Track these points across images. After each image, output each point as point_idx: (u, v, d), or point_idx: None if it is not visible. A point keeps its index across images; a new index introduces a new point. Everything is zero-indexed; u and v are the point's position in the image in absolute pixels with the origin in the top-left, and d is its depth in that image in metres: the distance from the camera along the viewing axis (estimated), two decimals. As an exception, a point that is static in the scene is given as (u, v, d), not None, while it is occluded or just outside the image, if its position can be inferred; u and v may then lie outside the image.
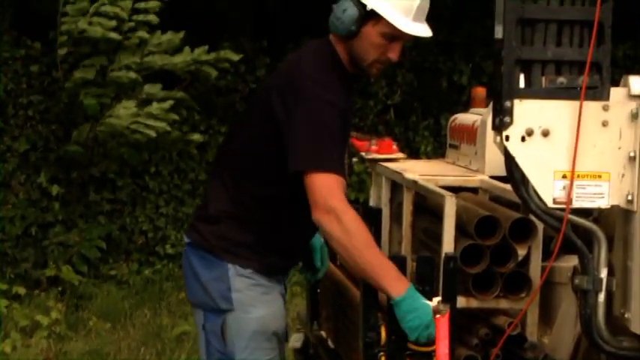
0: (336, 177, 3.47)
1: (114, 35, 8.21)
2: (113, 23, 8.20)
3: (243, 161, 3.78)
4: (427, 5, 3.62)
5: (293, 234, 3.85)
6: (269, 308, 3.76)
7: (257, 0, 10.11)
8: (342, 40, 3.66)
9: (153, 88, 8.58)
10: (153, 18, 8.36)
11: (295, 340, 4.88)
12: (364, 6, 3.51)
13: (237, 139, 3.90)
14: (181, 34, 8.51)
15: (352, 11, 3.53)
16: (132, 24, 8.35)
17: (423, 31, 3.58)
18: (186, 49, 8.56)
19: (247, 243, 3.72)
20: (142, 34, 8.43)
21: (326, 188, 3.45)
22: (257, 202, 3.73)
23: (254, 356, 3.70)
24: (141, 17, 8.32)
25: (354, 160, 7.35)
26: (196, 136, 9.12)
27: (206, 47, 8.56)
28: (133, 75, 8.40)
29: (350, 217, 3.42)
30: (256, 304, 3.71)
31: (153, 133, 8.35)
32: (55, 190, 9.10)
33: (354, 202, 5.96)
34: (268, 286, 3.77)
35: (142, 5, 8.29)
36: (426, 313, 3.28)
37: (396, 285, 3.33)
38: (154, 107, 8.36)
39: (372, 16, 3.52)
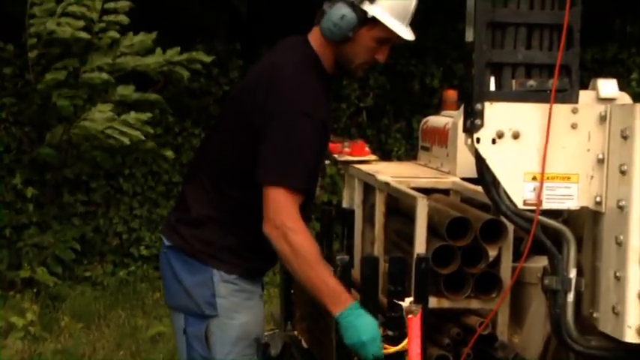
0: (292, 195, 3.47)
1: (83, 35, 8.16)
2: (81, 23, 8.17)
3: (221, 165, 3.72)
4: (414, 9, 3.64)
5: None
6: (251, 314, 3.74)
7: (230, 2, 10.08)
8: (332, 43, 3.61)
9: (126, 90, 8.53)
10: (123, 18, 8.33)
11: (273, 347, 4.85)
12: (364, 12, 3.49)
13: (214, 143, 3.83)
14: (153, 35, 8.49)
15: (351, 17, 3.49)
16: (102, 25, 8.31)
17: (411, 34, 3.63)
18: (159, 50, 8.54)
19: (231, 247, 3.68)
20: (113, 34, 8.39)
21: (279, 204, 3.46)
22: (238, 206, 3.69)
23: None
24: (111, 17, 8.28)
25: (327, 162, 7.37)
26: (169, 152, 9.06)
27: (178, 48, 8.54)
28: (105, 76, 8.36)
29: (297, 236, 3.44)
30: (240, 310, 3.69)
31: (127, 141, 8.29)
32: (29, 192, 9.06)
33: (327, 204, 5.97)
34: (251, 291, 3.75)
35: (111, 5, 8.26)
36: (366, 331, 3.31)
37: (337, 302, 3.37)
38: (132, 116, 8.31)
39: (369, 22, 3.51)
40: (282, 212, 3.45)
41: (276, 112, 3.48)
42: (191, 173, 3.94)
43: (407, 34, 3.59)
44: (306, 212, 3.69)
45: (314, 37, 3.68)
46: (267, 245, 3.66)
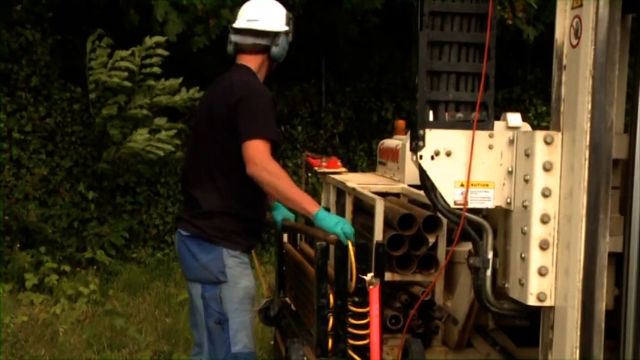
0: (266, 143, 3.58)
1: (127, 83, 8.18)
2: (126, 74, 8.18)
3: (216, 165, 3.76)
4: None
5: (260, 219, 3.96)
6: (250, 280, 3.79)
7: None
8: (270, 62, 3.92)
9: (160, 121, 8.58)
10: (157, 70, 8.34)
11: (272, 310, 4.80)
12: (287, 31, 3.89)
13: (203, 151, 3.83)
14: (179, 80, 8.49)
15: (285, 40, 3.89)
16: (141, 76, 8.34)
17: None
18: (183, 89, 8.54)
19: (237, 231, 3.74)
20: (150, 82, 8.41)
21: (257, 149, 3.55)
22: (236, 198, 3.74)
23: (242, 315, 3.74)
24: (147, 70, 8.29)
25: (309, 175, 7.35)
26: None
27: (197, 87, 8.52)
28: (145, 112, 8.37)
29: (274, 166, 3.56)
30: (243, 277, 3.75)
31: (161, 153, 8.41)
32: (91, 195, 9.02)
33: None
34: (247, 263, 3.81)
35: (147, 61, 8.26)
36: (335, 217, 3.58)
37: (313, 206, 3.58)
38: (162, 134, 8.40)
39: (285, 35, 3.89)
40: (260, 154, 3.54)
41: (240, 99, 3.62)
42: (192, 179, 3.87)
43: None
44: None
45: (248, 61, 3.88)
46: (257, 227, 3.91)
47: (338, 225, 3.49)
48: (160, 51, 8.21)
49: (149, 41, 8.17)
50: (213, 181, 3.77)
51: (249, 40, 3.87)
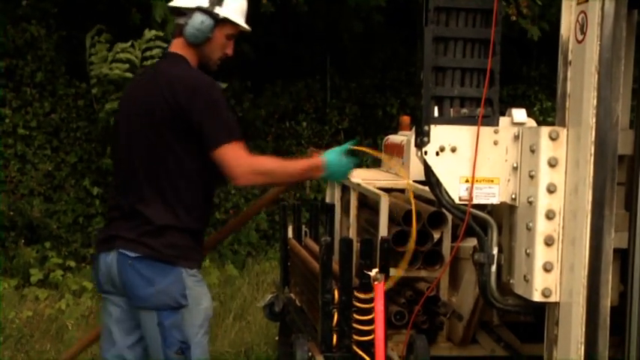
0: (239, 143, 3.23)
1: (128, 75, 8.13)
2: (127, 66, 8.14)
3: (166, 176, 3.30)
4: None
5: (204, 231, 3.52)
6: (209, 299, 3.42)
7: (242, 51, 10.06)
8: (194, 47, 3.39)
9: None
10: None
11: (276, 306, 4.81)
12: (216, 15, 3.34)
13: (146, 158, 3.33)
14: None
15: (208, 22, 3.33)
16: (142, 69, 8.30)
17: (248, 27, 3.49)
18: None
19: (191, 246, 3.34)
20: None
21: (236, 154, 3.22)
22: (191, 211, 3.32)
23: (203, 339, 3.37)
24: (149, 62, 8.24)
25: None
26: None
27: None
28: None
29: (259, 162, 3.29)
30: (202, 296, 3.37)
31: None
32: (95, 190, 9.01)
33: (314, 200, 5.95)
34: (202, 279, 3.42)
35: (147, 53, 8.22)
36: (343, 160, 3.42)
37: (317, 168, 3.40)
38: None
39: (220, 22, 3.37)
40: (242, 159, 3.22)
41: (192, 98, 3.20)
42: (133, 190, 3.35)
43: (247, 27, 3.46)
44: None
45: (178, 49, 3.42)
46: (202, 238, 3.49)
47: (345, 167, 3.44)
48: (159, 43, 8.19)
49: (148, 34, 8.16)
50: (161, 192, 3.30)
51: (179, 21, 3.44)
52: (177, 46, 3.42)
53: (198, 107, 3.19)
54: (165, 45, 8.12)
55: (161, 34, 8.13)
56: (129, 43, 8.15)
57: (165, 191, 3.29)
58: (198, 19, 3.33)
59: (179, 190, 3.29)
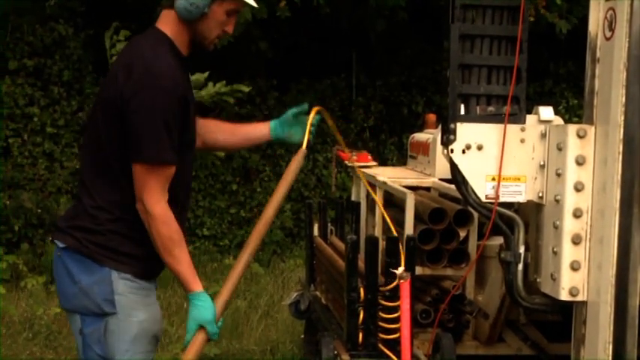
0: (152, 169, 2.72)
1: None
2: None
3: (101, 165, 2.84)
4: None
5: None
6: (150, 312, 2.90)
7: (268, 49, 10.08)
8: (186, 23, 2.84)
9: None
10: None
11: (302, 304, 4.81)
12: None
13: (92, 143, 2.90)
14: (205, 74, 8.44)
15: None
16: None
17: (254, 2, 2.94)
18: (210, 84, 8.48)
19: (128, 251, 2.84)
20: None
21: (139, 180, 2.73)
22: (129, 208, 2.81)
23: (137, 357, 2.85)
24: None
25: (336, 170, 7.34)
26: (220, 153, 9.03)
27: (224, 82, 8.49)
28: None
29: (156, 220, 2.75)
30: (139, 307, 2.85)
31: None
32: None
33: (340, 198, 5.96)
34: (149, 289, 2.93)
35: None
36: (210, 313, 2.84)
37: (190, 285, 2.87)
38: None
39: None
40: (144, 189, 2.72)
41: (133, 94, 2.70)
42: (80, 178, 3.00)
43: (253, 2, 2.92)
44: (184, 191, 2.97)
45: (164, 24, 2.88)
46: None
47: (198, 324, 2.82)
48: None
49: None
50: (94, 181, 2.86)
51: None
52: (164, 21, 2.88)
53: (133, 108, 2.71)
54: None
55: None
56: None
57: (97, 182, 2.84)
58: None
59: (111, 184, 2.83)
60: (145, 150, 2.71)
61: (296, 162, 3.21)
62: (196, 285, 2.84)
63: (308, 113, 3.34)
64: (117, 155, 2.79)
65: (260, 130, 3.34)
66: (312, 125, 3.33)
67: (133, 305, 2.83)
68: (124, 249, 2.83)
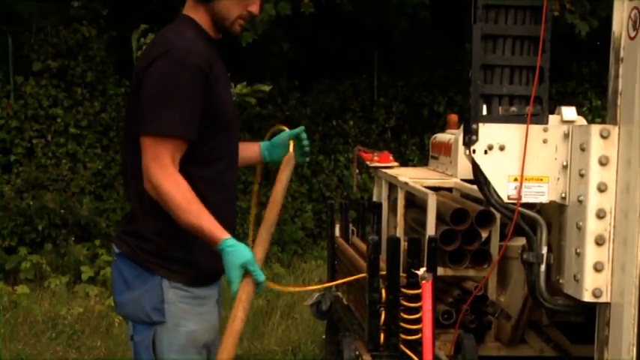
0: (161, 142, 2.53)
1: None
2: None
3: (136, 165, 2.63)
4: None
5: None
6: (202, 321, 2.74)
7: (290, 50, 10.09)
8: (203, 4, 2.68)
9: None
10: None
11: (324, 304, 4.81)
12: None
13: (126, 140, 2.74)
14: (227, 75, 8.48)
15: None
16: None
17: None
18: (231, 84, 8.50)
19: (179, 256, 2.69)
20: None
21: (147, 153, 2.54)
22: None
23: None
24: None
25: (357, 171, 7.34)
26: None
27: (245, 83, 8.50)
28: None
29: (162, 184, 2.52)
30: (188, 317, 2.70)
31: None
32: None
33: (361, 199, 5.95)
34: (203, 297, 2.76)
35: None
36: (244, 255, 2.53)
37: (215, 240, 2.53)
38: None
39: None
40: (151, 161, 2.53)
41: (147, 66, 2.56)
42: (124, 180, 2.88)
43: None
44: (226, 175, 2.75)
45: (187, 9, 2.74)
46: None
47: (239, 269, 2.52)
48: None
49: None
50: (141, 189, 2.65)
51: None
52: (188, 6, 2.75)
53: (146, 78, 2.56)
54: None
55: None
56: None
57: (140, 184, 2.64)
58: None
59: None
60: (153, 120, 2.53)
61: (285, 167, 3.05)
62: (224, 233, 2.55)
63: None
64: None
65: (252, 151, 3.19)
66: (300, 139, 3.13)
67: (182, 315, 2.69)
68: (175, 255, 2.68)
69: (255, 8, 2.75)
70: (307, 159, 3.22)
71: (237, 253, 2.52)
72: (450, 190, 4.49)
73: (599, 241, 2.82)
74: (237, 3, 2.69)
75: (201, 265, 2.71)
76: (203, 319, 2.74)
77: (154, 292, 2.66)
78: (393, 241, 3.50)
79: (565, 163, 2.98)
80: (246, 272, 2.53)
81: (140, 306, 2.68)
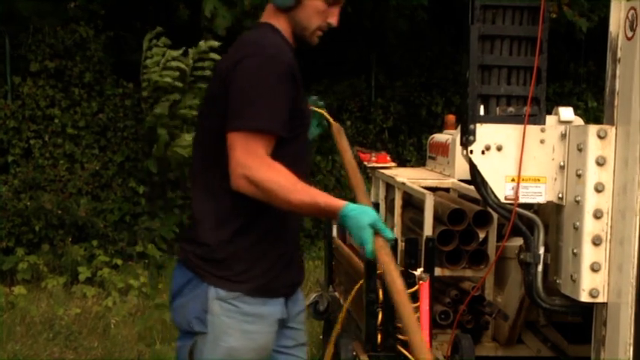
0: (253, 137, 2.43)
1: (178, 84, 8.19)
2: (177, 74, 8.18)
3: (209, 168, 2.60)
4: None
5: (286, 232, 2.68)
6: (247, 340, 2.57)
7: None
8: (284, 13, 2.66)
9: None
10: (208, 72, 8.34)
11: (321, 304, 4.81)
12: None
13: (199, 145, 2.70)
14: None
15: None
16: (192, 78, 8.35)
17: None
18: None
19: (239, 266, 2.57)
20: (201, 85, 8.42)
21: (237, 150, 2.44)
22: (236, 215, 2.56)
23: None
24: (199, 72, 8.29)
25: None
26: None
27: None
28: (194, 112, 8.38)
29: (259, 173, 2.41)
30: (232, 332, 2.54)
31: None
32: (142, 189, 9.11)
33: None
34: (258, 315, 2.58)
35: (199, 64, 8.27)
36: (367, 216, 2.41)
37: (334, 211, 2.45)
38: None
39: None
40: (244, 156, 2.42)
41: (237, 64, 2.49)
42: (191, 185, 2.78)
43: None
44: (300, 168, 2.58)
45: (267, 16, 2.70)
46: (281, 246, 2.64)
47: (369, 228, 2.40)
48: (212, 55, 8.24)
49: (203, 45, 8.22)
50: (205, 185, 2.63)
51: None
52: (267, 14, 2.71)
53: (236, 76, 2.49)
54: (218, 57, 8.18)
55: (216, 44, 8.17)
56: (180, 51, 8.22)
57: (208, 186, 2.60)
58: None
59: (223, 187, 2.52)
60: (246, 116, 2.44)
61: (341, 137, 3.11)
62: (339, 202, 2.45)
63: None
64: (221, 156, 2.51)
65: None
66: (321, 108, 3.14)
67: (224, 329, 2.54)
68: (235, 264, 2.56)
69: (334, 20, 2.72)
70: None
71: (363, 214, 2.41)
72: (447, 190, 4.49)
73: (596, 242, 2.83)
74: (318, 13, 2.67)
75: (257, 277, 2.58)
76: (248, 338, 2.57)
77: (199, 301, 2.55)
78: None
79: (562, 164, 2.98)
80: (375, 232, 2.42)
81: (185, 313, 2.59)
